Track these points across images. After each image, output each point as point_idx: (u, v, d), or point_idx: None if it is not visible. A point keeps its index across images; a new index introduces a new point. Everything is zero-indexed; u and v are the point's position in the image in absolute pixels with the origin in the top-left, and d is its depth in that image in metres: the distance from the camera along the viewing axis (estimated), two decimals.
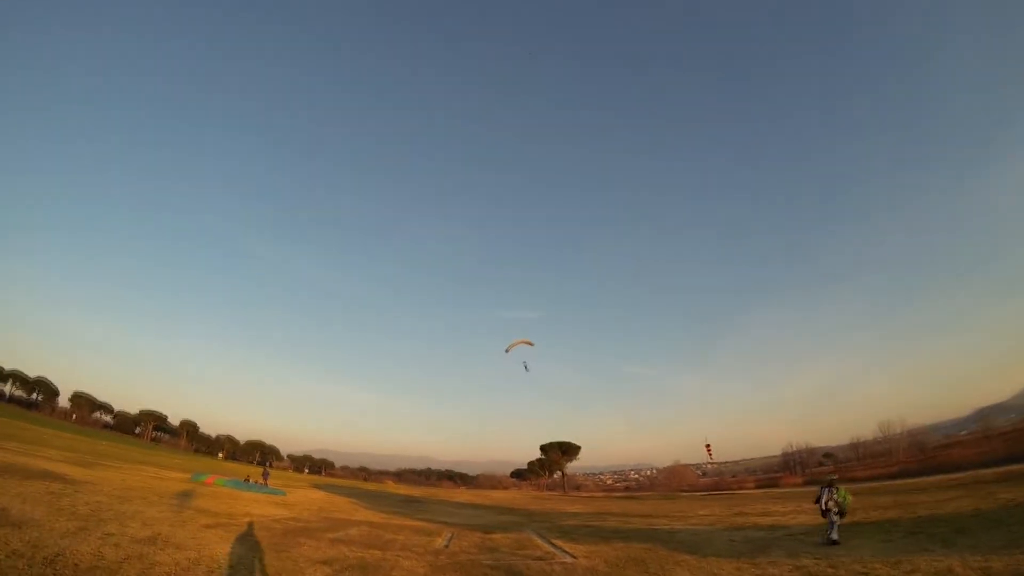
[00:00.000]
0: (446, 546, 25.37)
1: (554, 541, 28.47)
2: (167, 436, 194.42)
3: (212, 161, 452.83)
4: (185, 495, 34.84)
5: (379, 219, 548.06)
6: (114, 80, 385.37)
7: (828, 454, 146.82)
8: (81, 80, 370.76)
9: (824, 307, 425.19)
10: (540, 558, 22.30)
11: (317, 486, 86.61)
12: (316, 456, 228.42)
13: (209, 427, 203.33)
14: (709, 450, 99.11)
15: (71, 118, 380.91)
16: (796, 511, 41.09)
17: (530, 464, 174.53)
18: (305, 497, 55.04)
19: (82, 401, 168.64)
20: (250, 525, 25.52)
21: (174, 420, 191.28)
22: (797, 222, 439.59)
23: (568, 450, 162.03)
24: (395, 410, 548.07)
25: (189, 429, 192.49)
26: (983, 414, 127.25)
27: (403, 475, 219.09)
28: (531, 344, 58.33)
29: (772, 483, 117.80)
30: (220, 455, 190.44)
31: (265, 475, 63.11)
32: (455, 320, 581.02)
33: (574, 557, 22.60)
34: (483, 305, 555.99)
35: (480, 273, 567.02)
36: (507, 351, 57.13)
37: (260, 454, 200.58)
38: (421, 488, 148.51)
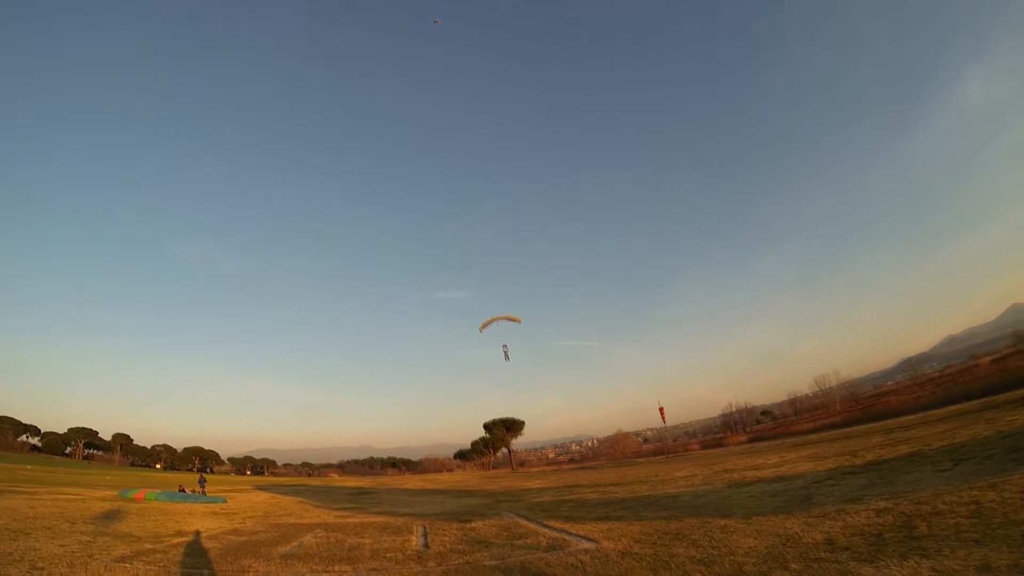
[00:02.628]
0: (426, 546, 20.21)
1: (548, 523, 23.62)
2: (100, 453, 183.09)
3: (121, 162, 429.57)
4: (106, 517, 29.15)
5: (297, 207, 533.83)
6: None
7: (766, 411, 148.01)
8: None
9: (753, 273, 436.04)
10: (551, 548, 17.48)
11: (261, 487, 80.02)
12: (257, 457, 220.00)
13: (144, 438, 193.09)
14: (663, 413, 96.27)
15: None
16: (781, 462, 37.97)
17: (474, 444, 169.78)
18: (248, 502, 49.16)
19: (5, 425, 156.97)
20: (181, 548, 20.33)
21: (106, 435, 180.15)
22: (722, 191, 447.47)
23: (512, 426, 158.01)
24: (331, 402, 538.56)
25: (122, 443, 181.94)
26: (909, 364, 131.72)
27: (347, 466, 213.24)
28: (517, 320, 51.20)
29: (717, 443, 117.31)
30: (158, 466, 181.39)
31: (202, 482, 56.83)
32: (382, 304, 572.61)
33: (592, 540, 17.86)
34: (409, 287, 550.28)
35: (404, 253, 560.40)
36: (481, 329, 50.05)
37: (199, 460, 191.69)
38: (368, 478, 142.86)
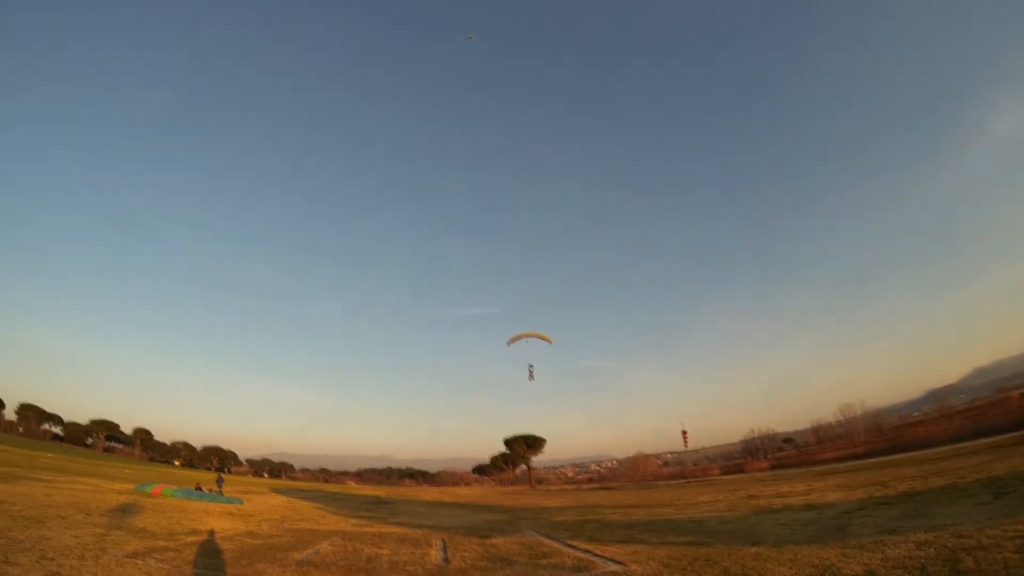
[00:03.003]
0: (446, 560, 19.59)
1: (572, 543, 22.87)
2: (120, 446, 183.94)
3: (158, 167, 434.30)
4: (122, 510, 28.75)
5: (330, 217, 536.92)
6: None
7: (788, 439, 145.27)
8: None
9: (778, 298, 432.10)
10: (577, 569, 16.85)
11: (277, 491, 79.35)
12: (275, 459, 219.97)
13: (164, 435, 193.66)
14: (685, 436, 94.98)
15: None
16: (808, 490, 36.57)
17: (493, 459, 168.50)
18: (265, 504, 48.69)
19: (29, 413, 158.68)
20: (195, 547, 19.92)
21: (127, 429, 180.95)
22: (753, 218, 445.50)
23: (533, 444, 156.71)
24: (351, 410, 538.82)
25: (143, 437, 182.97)
26: (936, 395, 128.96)
27: (364, 475, 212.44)
28: (548, 341, 49.62)
29: (738, 469, 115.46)
30: (176, 463, 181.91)
31: (219, 482, 56.38)
32: (410, 319, 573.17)
33: (618, 563, 17.11)
34: (437, 302, 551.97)
35: (433, 270, 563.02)
36: (509, 344, 48.79)
37: (217, 460, 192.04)
38: (385, 488, 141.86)
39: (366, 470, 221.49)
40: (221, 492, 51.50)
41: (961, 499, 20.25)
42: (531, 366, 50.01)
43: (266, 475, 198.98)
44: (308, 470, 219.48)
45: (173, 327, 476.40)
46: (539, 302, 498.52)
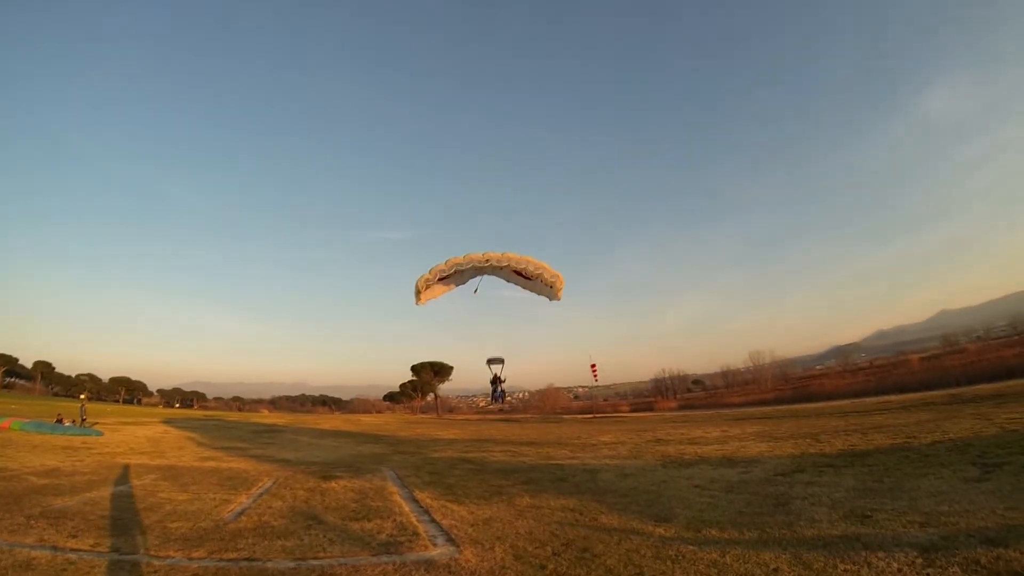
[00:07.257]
0: (240, 513, 13.96)
1: (419, 495, 17.26)
2: (22, 381, 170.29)
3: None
4: None
5: (238, 135, 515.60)
6: None
7: (697, 381, 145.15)
8: None
9: (698, 246, 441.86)
10: (384, 547, 11.00)
11: (168, 421, 71.14)
12: (187, 389, 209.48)
13: (71, 367, 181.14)
14: (594, 370, 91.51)
15: None
16: (725, 437, 32.00)
17: (402, 386, 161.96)
18: (129, 436, 42.24)
19: None
20: None
21: (28, 363, 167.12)
22: (672, 161, 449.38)
23: (440, 371, 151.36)
24: (267, 336, 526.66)
25: (44, 371, 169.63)
26: (840, 351, 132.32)
27: (278, 402, 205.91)
28: (555, 293, 21.88)
29: (647, 407, 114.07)
30: (83, 396, 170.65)
31: (82, 411, 49.07)
32: (328, 242, 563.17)
33: (452, 542, 11.42)
34: (352, 225, 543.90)
35: (344, 189, 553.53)
36: (419, 302, 22.21)
37: (125, 391, 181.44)
38: (290, 415, 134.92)
39: (280, 398, 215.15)
40: (84, 424, 44.79)
41: (934, 469, 15.08)
42: (499, 382, 21.99)
43: (178, 405, 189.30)
44: (221, 399, 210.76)
45: (79, 248, 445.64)
46: (454, 230, 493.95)
